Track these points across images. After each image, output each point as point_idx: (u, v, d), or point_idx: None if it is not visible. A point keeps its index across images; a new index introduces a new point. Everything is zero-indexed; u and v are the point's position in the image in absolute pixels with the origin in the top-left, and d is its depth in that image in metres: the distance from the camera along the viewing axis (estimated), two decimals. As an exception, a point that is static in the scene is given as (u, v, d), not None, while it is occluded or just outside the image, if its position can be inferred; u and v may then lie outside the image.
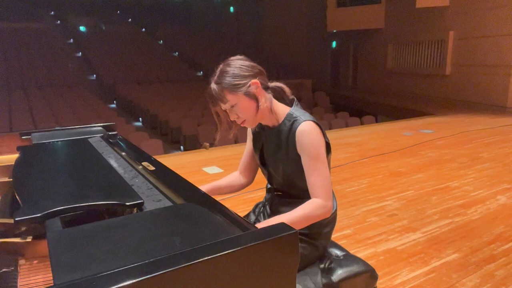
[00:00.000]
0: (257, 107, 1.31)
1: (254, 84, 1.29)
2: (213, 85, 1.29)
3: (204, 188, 1.51)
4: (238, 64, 1.30)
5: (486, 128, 6.78)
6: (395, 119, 8.95)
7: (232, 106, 1.29)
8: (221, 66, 1.31)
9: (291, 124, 1.33)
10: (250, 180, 1.62)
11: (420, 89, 11.48)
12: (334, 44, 15.79)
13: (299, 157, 1.32)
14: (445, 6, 10.02)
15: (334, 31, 14.28)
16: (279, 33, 17.82)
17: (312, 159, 1.28)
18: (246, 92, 1.28)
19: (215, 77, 1.30)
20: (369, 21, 12.72)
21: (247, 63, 1.31)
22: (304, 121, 1.30)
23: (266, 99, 1.33)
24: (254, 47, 19.30)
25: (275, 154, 1.40)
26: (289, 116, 1.35)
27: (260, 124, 1.44)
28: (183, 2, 26.75)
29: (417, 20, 11.14)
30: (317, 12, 15.01)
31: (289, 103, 1.41)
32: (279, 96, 1.42)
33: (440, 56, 10.68)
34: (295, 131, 1.31)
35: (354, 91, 14.02)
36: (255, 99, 1.30)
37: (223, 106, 1.31)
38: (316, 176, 1.28)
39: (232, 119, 1.34)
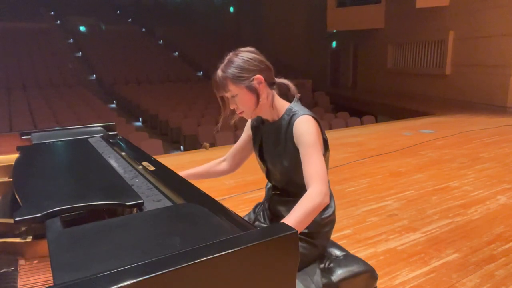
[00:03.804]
0: (257, 101, 1.32)
1: (258, 79, 1.30)
2: (219, 72, 1.31)
3: (182, 174, 1.49)
4: (246, 56, 1.31)
5: (486, 128, 6.78)
6: (395, 119, 8.95)
7: (233, 96, 1.32)
8: (230, 55, 1.33)
9: (289, 118, 1.33)
10: (232, 169, 1.64)
11: (420, 89, 11.48)
12: (334, 44, 15.79)
13: (297, 151, 1.30)
14: (445, 6, 10.03)
15: (334, 31, 14.28)
16: (279, 33, 17.82)
17: (308, 147, 1.26)
18: (248, 86, 1.29)
19: (222, 65, 1.31)
20: (369, 21, 12.72)
21: (256, 57, 1.32)
22: (303, 115, 1.31)
23: (268, 94, 1.34)
24: (254, 47, 19.22)
25: (274, 148, 1.41)
26: (288, 111, 1.36)
27: (260, 118, 1.45)
28: (183, 2, 26.76)
29: (417, 20, 11.14)
30: (317, 12, 15.01)
31: (291, 100, 1.40)
32: (284, 93, 1.42)
33: (440, 56, 10.68)
34: (293, 124, 1.31)
35: (354, 91, 14.03)
36: (256, 93, 1.31)
37: (225, 94, 1.34)
38: (311, 163, 1.24)
39: (231, 107, 1.36)
